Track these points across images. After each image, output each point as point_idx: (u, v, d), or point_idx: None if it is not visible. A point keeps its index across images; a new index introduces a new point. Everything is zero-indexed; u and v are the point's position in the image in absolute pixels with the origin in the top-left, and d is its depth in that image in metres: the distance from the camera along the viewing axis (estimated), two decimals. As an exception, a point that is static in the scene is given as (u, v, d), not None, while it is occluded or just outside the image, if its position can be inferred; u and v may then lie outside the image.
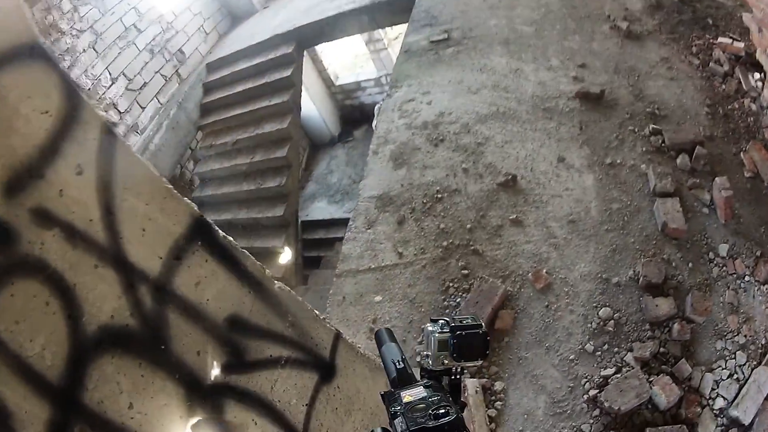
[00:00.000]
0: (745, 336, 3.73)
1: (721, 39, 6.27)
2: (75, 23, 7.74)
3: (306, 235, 9.25)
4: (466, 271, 4.06)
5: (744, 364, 3.63)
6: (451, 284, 4.04)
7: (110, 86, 8.07)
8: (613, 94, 5.49)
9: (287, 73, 8.54)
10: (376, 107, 6.39)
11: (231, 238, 1.80)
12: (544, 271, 3.96)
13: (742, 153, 4.88)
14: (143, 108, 8.51)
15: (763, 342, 3.71)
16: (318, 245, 9.58)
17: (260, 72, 8.90)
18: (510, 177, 4.51)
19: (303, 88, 9.09)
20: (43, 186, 1.35)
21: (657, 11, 7.31)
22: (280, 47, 8.84)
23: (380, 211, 4.63)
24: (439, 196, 4.58)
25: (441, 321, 1.48)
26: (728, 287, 3.93)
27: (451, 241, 4.26)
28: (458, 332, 1.44)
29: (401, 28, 11.08)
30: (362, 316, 4.20)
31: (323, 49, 11.00)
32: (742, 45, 6.00)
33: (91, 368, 1.39)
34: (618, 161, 4.71)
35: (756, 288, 3.93)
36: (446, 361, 1.45)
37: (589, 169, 4.64)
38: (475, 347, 1.46)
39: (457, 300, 3.94)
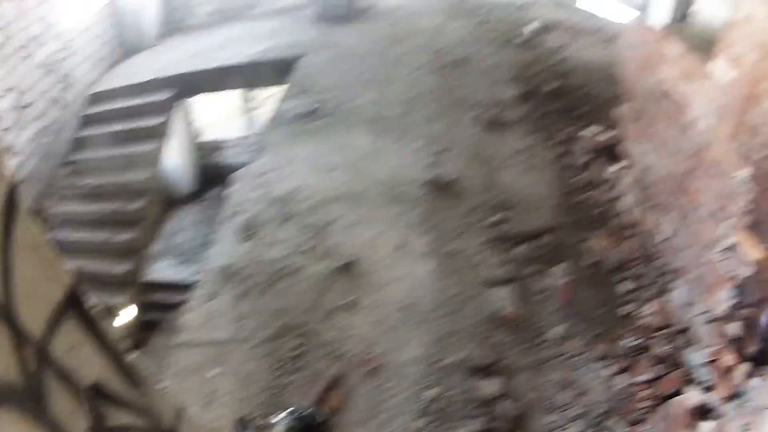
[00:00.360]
0: (583, 407, 4.19)
1: (586, 130, 6.88)
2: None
3: (148, 296, 8.95)
4: (300, 351, 4.32)
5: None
6: (285, 362, 4.26)
7: (-1, 101, 7.54)
8: (466, 182, 6.03)
9: (160, 120, 8.51)
10: (231, 175, 6.55)
11: (97, 309, 1.86)
12: (375, 353, 4.29)
13: (587, 240, 5.47)
14: (22, 130, 8.04)
15: (601, 411, 4.17)
16: (159, 308, 9.23)
17: (137, 114, 8.71)
18: (351, 260, 4.88)
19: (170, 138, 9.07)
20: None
21: (528, 100, 7.94)
22: (160, 91, 8.76)
23: (224, 283, 4.80)
24: (281, 273, 4.83)
25: (286, 410, 1.82)
26: (561, 365, 4.41)
27: (288, 320, 4.50)
28: (301, 421, 1.74)
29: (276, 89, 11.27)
30: (198, 389, 4.32)
31: (195, 101, 10.96)
32: (607, 136, 6.63)
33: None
34: (459, 249, 5.18)
35: (593, 363, 4.43)
36: None
37: (429, 256, 5.07)
38: None
39: (291, 378, 4.16)
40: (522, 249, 5.22)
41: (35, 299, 1.62)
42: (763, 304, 3.86)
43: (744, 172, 4.09)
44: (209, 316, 4.58)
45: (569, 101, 7.98)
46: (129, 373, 2.03)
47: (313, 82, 7.96)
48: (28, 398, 1.57)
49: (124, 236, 7.75)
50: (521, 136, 7.08)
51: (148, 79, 8.95)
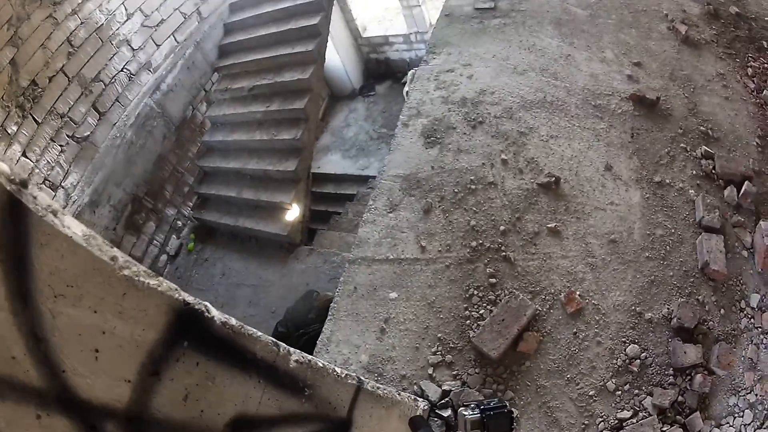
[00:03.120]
0: (756, 395, 3.37)
1: (779, 64, 5.58)
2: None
3: (315, 188, 8.59)
4: (493, 280, 3.53)
5: (749, 424, 3.30)
6: (475, 292, 3.50)
7: (125, 22, 7.40)
8: (668, 103, 4.92)
9: (314, 21, 7.74)
10: (409, 73, 5.67)
11: (233, 321, 1.31)
12: (578, 293, 3.49)
13: (789, 195, 4.35)
14: (158, 45, 7.89)
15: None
16: (327, 199, 8.99)
17: (285, 17, 8.08)
18: (553, 178, 3.91)
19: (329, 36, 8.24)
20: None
21: (714, 21, 6.63)
22: (307, -7, 7.95)
23: (405, 194, 4.01)
24: (473, 187, 3.97)
25: (472, 404, 1.78)
26: (752, 341, 3.54)
27: (481, 241, 3.68)
28: (488, 413, 1.70)
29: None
30: (374, 313, 3.66)
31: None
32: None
33: None
34: (667, 181, 4.18)
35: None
36: None
37: (636, 184, 4.08)
38: (502, 424, 1.72)
39: (480, 311, 3.43)
40: (728, 193, 4.14)
41: (108, 356, 1.17)
42: None
43: None
44: (390, 231, 3.83)
45: (753, 30, 6.55)
46: (289, 384, 1.60)
47: (483, -23, 6.81)
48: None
49: (288, 134, 7.17)
50: (716, 59, 5.73)
51: (294, -17, 8.11)
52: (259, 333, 1.40)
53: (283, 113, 7.43)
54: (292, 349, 1.56)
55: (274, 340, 1.48)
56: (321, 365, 1.72)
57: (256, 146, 7.65)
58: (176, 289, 1.11)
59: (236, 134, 7.92)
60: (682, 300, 3.50)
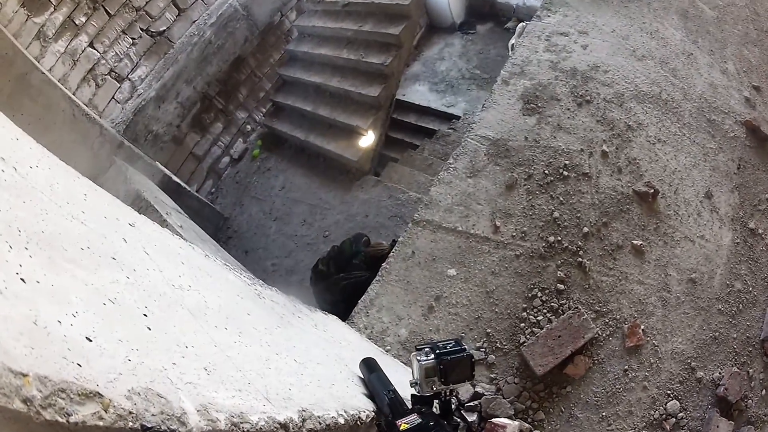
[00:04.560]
0: None
1: None
2: None
3: (396, 115, 7.73)
4: (561, 286, 2.91)
5: None
6: (539, 294, 2.89)
7: None
8: (777, 144, 3.99)
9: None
10: (519, 26, 4.71)
11: (222, 424, 0.92)
12: (642, 328, 2.85)
13: None
14: None
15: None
16: (406, 129, 8.11)
17: None
18: (652, 190, 3.16)
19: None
20: None
21: None
22: None
23: (490, 161, 3.28)
24: (565, 173, 3.24)
25: (425, 349, 1.43)
26: None
27: (559, 238, 3.03)
28: (443, 358, 1.40)
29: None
30: (426, 286, 3.04)
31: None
32: None
33: None
34: (759, 230, 3.45)
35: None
36: (435, 387, 1.40)
37: (731, 223, 3.38)
38: (462, 370, 1.41)
39: (539, 318, 2.86)
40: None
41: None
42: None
43: None
44: (465, 199, 3.15)
45: None
46: None
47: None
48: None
49: (376, 58, 6.41)
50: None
51: None
52: (263, 422, 1.02)
53: (374, 36, 6.56)
54: (306, 414, 1.22)
55: (281, 422, 1.08)
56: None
57: (342, 64, 6.85)
58: (130, 413, 0.75)
59: (323, 48, 7.13)
60: (735, 369, 2.93)
